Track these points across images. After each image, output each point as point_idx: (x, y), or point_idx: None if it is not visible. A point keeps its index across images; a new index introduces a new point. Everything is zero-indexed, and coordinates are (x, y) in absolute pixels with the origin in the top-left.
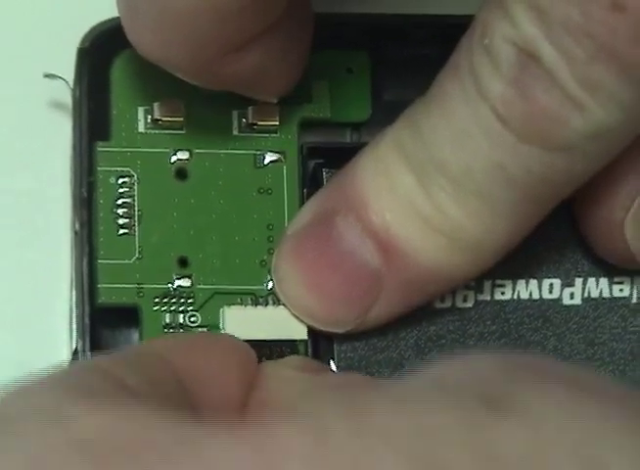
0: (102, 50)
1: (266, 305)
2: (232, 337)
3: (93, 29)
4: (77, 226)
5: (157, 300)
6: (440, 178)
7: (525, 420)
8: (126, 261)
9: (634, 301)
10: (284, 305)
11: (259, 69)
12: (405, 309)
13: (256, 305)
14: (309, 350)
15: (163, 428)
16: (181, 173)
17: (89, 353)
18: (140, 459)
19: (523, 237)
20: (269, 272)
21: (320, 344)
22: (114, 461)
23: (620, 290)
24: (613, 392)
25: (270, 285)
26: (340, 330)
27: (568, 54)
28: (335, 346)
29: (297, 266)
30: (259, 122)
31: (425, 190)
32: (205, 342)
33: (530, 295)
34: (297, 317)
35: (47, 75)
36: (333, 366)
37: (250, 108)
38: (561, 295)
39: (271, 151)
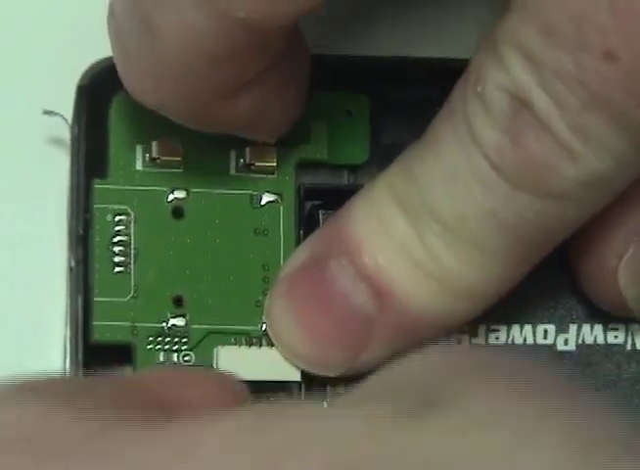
0: (101, 88)
1: (260, 345)
2: (224, 373)
3: (92, 67)
4: (73, 263)
5: (151, 338)
6: (433, 223)
7: (458, 420)
8: (121, 299)
9: (629, 348)
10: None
11: (255, 111)
12: (394, 354)
13: (250, 345)
14: (302, 392)
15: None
16: (178, 212)
17: None
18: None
19: (515, 283)
20: (264, 313)
21: (314, 386)
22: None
23: (615, 337)
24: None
25: (265, 326)
26: (330, 373)
27: (560, 102)
28: (328, 388)
29: (290, 308)
30: (257, 163)
31: (418, 235)
32: (196, 376)
33: (525, 340)
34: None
35: (46, 112)
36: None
37: (247, 148)
38: (555, 340)
39: (268, 191)
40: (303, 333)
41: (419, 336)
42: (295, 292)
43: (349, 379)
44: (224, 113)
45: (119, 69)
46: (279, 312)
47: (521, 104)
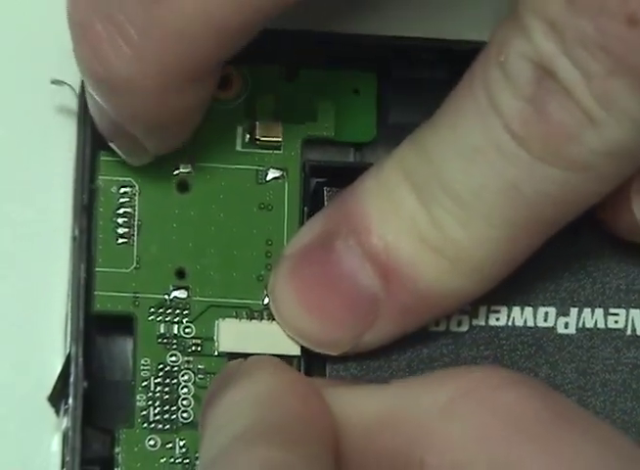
0: None
1: (261, 319)
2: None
3: None
4: (76, 233)
5: (152, 310)
6: (445, 198)
7: None
8: (124, 270)
9: (629, 333)
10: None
11: (196, 108)
12: (400, 334)
13: (251, 319)
14: (302, 367)
15: None
16: (183, 186)
17: (81, 359)
18: None
19: (524, 260)
20: (266, 288)
21: (313, 361)
22: None
23: (615, 321)
24: None
25: (266, 300)
26: (333, 352)
27: (584, 69)
28: (327, 364)
29: (295, 288)
30: (263, 138)
31: (428, 212)
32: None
33: (525, 322)
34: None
35: (54, 82)
36: None
37: (255, 123)
38: (555, 323)
39: (274, 167)
40: (308, 313)
41: (424, 317)
42: (300, 271)
43: (348, 355)
44: (182, 100)
45: (83, 37)
46: (283, 290)
47: (544, 72)
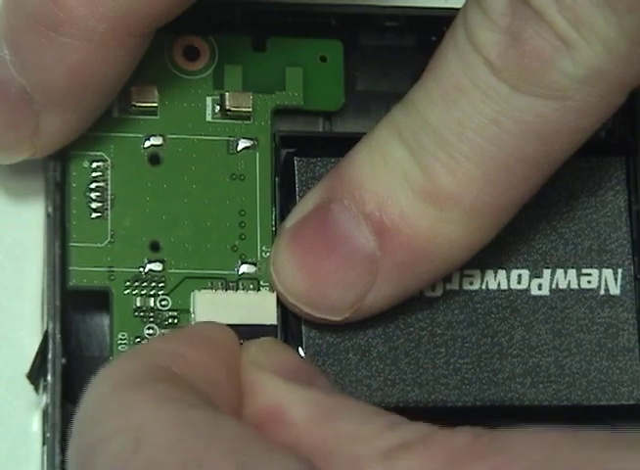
0: None
1: (236, 289)
2: (211, 324)
3: None
4: (50, 209)
5: (128, 283)
6: (433, 145)
7: None
8: (98, 245)
9: (602, 293)
10: (256, 290)
11: (120, 77)
12: (400, 296)
13: (227, 289)
14: (278, 335)
15: None
16: (154, 158)
17: (59, 336)
18: None
19: (518, 207)
20: (240, 257)
21: (289, 329)
22: None
23: (588, 282)
24: None
25: (241, 270)
26: (336, 317)
27: None
28: (303, 332)
29: (294, 254)
30: (233, 109)
31: (418, 161)
32: (193, 339)
33: (499, 285)
34: (269, 303)
35: None
36: (301, 352)
37: (225, 93)
38: (529, 285)
39: (244, 137)
40: (307, 276)
41: (423, 272)
42: (299, 238)
43: (325, 324)
44: (113, 55)
45: None
46: (283, 259)
47: (518, 0)
